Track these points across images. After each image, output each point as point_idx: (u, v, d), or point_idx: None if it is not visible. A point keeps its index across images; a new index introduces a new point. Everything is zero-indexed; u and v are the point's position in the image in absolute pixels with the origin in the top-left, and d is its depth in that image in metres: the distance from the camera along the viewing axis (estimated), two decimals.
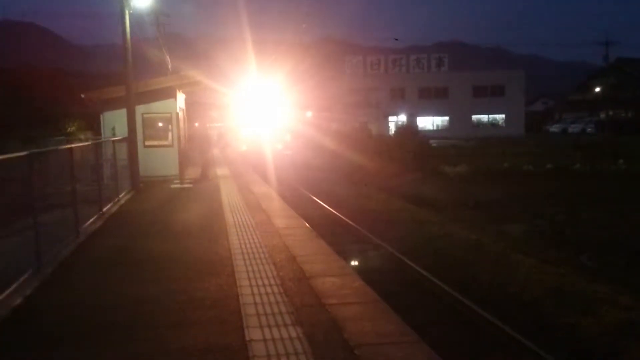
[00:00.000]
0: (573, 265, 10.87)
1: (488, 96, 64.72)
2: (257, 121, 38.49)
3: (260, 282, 6.54)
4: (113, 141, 14.80)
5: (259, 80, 39.56)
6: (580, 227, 14.01)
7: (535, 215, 15.57)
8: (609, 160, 27.83)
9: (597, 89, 68.07)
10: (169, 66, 30.89)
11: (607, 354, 6.91)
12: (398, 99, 64.09)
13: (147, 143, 18.78)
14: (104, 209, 11.89)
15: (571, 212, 15.86)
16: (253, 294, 6.09)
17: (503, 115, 65.74)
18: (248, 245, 8.58)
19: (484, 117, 66.38)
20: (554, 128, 66.57)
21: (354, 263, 11.27)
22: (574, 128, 62.53)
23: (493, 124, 65.79)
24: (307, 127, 36.63)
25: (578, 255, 11.51)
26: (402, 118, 61.11)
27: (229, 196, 14.65)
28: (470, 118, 65.50)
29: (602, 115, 63.07)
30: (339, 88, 59.29)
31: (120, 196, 14.10)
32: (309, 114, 47.48)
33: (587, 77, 78.18)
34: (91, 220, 10.66)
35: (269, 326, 5.14)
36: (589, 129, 59.82)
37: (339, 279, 6.71)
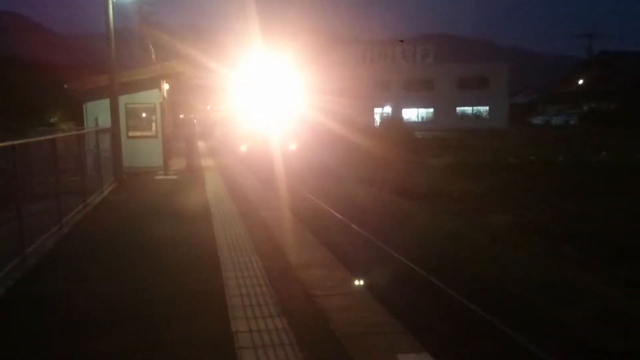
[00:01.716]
0: (558, 256, 10.96)
1: (473, 88, 64.97)
2: (259, 110, 30.07)
3: (246, 274, 6.53)
4: (96, 132, 14.65)
5: (257, 63, 31.49)
6: (564, 219, 14.12)
7: (519, 206, 15.66)
8: (592, 152, 28.12)
9: (581, 82, 68.57)
10: (153, 56, 30.61)
11: (591, 343, 6.99)
12: (383, 90, 64.11)
13: (130, 134, 18.61)
14: (88, 200, 11.79)
15: (555, 203, 15.99)
16: (239, 286, 6.08)
17: (487, 108, 66.06)
18: (234, 237, 8.56)
19: (468, 109, 66.67)
20: (537, 120, 67.04)
21: (339, 254, 11.27)
22: (557, 120, 63.02)
23: (477, 116, 66.10)
24: (296, 120, 34.88)
25: (563, 246, 11.60)
26: (387, 109, 61.17)
27: (214, 188, 14.60)
28: (455, 110, 65.74)
29: (585, 108, 63.59)
30: (325, 79, 59.17)
31: (104, 187, 13.99)
32: (294, 105, 46.46)
33: (570, 69, 78.74)
34: (75, 211, 10.57)
35: (255, 317, 5.14)
36: (572, 121, 60.32)
37: (325, 270, 6.72)
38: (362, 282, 6.47)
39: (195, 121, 23.67)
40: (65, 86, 19.26)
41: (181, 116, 34.09)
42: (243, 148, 26.89)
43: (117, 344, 4.70)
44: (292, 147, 26.58)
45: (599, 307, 8.17)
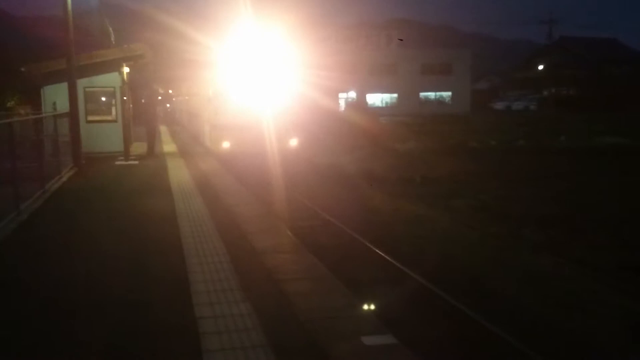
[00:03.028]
0: (515, 239, 11.21)
1: (436, 74, 65.39)
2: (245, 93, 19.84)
3: (210, 260, 6.48)
4: (54, 116, 14.30)
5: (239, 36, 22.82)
6: (522, 202, 14.41)
7: (479, 190, 15.92)
8: (552, 136, 28.72)
9: (541, 67, 69.70)
10: (112, 38, 29.88)
11: (548, 323, 7.17)
12: (348, 74, 63.93)
13: (89, 118, 18.23)
14: (46, 187, 11.51)
15: (514, 187, 16.31)
16: (203, 272, 6.03)
17: (450, 93, 66.63)
18: (197, 223, 8.47)
19: (431, 95, 67.13)
20: (498, 105, 68.00)
21: (304, 239, 11.28)
22: (517, 105, 64.02)
23: (440, 102, 66.63)
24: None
25: (520, 229, 11.85)
26: (352, 94, 61.16)
27: (176, 173, 14.42)
28: (418, 95, 66.12)
29: (545, 93, 64.73)
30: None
31: (62, 173, 13.68)
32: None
33: (531, 55, 79.87)
34: (33, 198, 10.31)
35: (219, 303, 5.11)
36: (532, 106, 61.39)
37: (289, 255, 6.71)
38: (326, 266, 6.46)
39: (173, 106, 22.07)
40: (22, 69, 18.73)
41: (142, 100, 33.37)
42: (226, 144, 18.43)
43: (74, 331, 4.62)
44: (293, 142, 18.77)
45: (558, 289, 8.40)
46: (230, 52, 19.24)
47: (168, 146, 22.59)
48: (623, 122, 34.92)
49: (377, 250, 9.94)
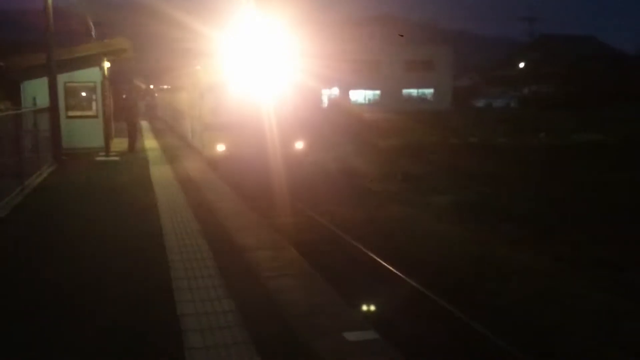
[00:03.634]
0: (496, 235, 11.32)
1: (418, 71, 65.57)
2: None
3: (192, 256, 6.47)
4: (34, 112, 14.14)
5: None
6: (503, 199, 14.56)
7: (460, 187, 16.05)
8: (531, 133, 28.99)
9: (521, 65, 70.23)
10: (93, 33, 29.53)
11: (525, 316, 7.27)
12: (331, 71, 63.78)
13: (69, 113, 18.04)
14: (26, 183, 11.38)
15: (495, 183, 16.46)
16: (185, 269, 6.02)
17: (432, 90, 66.87)
18: (179, 219, 8.44)
19: (414, 92, 67.32)
20: (479, 103, 68.40)
21: (287, 235, 11.28)
22: (498, 103, 64.46)
23: (422, 98, 66.84)
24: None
25: (501, 225, 11.98)
26: (335, 91, 61.15)
27: (158, 169, 14.34)
28: (401, 92, 66.28)
29: (526, 90, 65.19)
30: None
31: (42, 169, 13.54)
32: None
33: (512, 52, 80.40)
34: (12, 195, 10.19)
35: (202, 300, 5.11)
36: (512, 104, 61.86)
37: (272, 251, 6.72)
38: (309, 263, 6.49)
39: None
40: (1, 64, 18.46)
41: (124, 95, 33.01)
42: (220, 147, 15.48)
43: (59, 333, 4.60)
44: (299, 145, 16.08)
45: (535, 284, 8.51)
46: (228, 41, 16.52)
47: (150, 142, 22.43)
48: (602, 119, 35.34)
49: (361, 246, 9.99)
